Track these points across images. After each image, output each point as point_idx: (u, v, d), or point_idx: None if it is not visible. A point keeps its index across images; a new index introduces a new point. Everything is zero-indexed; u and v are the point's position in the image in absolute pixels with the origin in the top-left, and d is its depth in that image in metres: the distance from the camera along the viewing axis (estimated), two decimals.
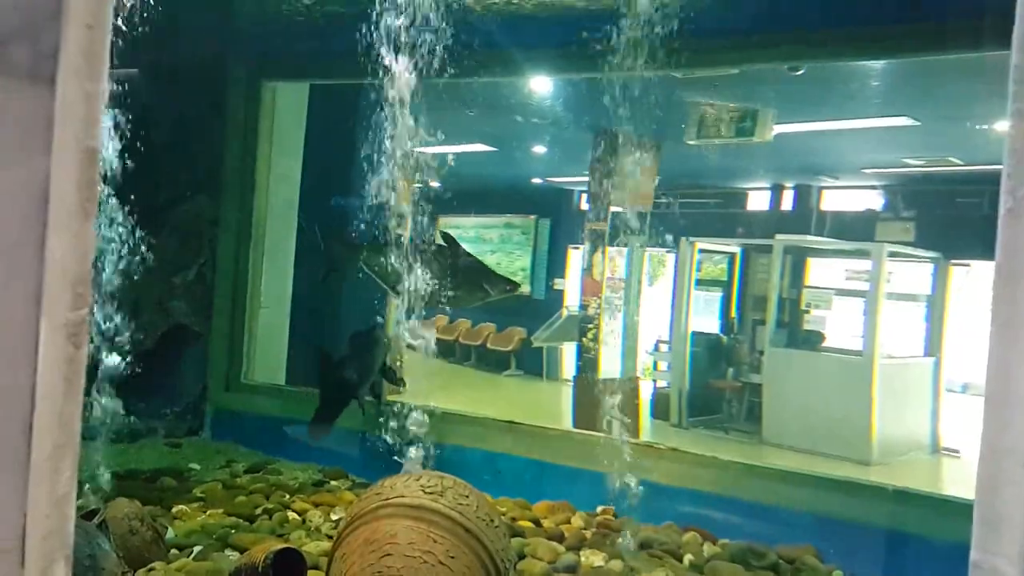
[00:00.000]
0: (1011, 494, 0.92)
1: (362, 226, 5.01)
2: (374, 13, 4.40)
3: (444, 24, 4.44)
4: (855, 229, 11.03)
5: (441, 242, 4.96)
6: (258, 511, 4.13)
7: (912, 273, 10.45)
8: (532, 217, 14.51)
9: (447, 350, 13.92)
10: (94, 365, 4.82)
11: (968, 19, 3.59)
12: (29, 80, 0.74)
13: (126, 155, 4.68)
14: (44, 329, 0.76)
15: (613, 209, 8.78)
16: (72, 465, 0.78)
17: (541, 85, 7.44)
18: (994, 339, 0.92)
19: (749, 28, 4.59)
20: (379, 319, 5.40)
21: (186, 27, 5.27)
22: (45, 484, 0.75)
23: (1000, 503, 0.94)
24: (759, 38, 4.65)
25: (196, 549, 3.50)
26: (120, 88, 4.62)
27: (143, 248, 5.38)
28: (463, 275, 4.79)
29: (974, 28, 3.38)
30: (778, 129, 7.79)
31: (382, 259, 4.71)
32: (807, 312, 10.21)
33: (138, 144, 4.77)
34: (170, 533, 3.67)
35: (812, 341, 9.72)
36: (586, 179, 9.49)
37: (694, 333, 10.24)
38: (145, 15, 4.48)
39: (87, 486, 4.19)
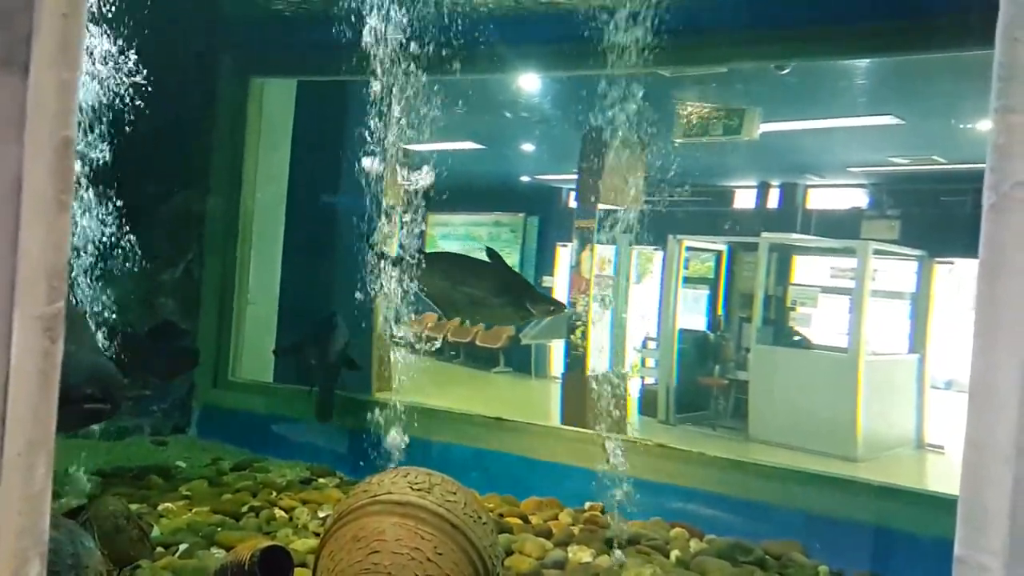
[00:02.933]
0: (994, 490, 0.93)
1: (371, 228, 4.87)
2: (362, 9, 4.38)
3: (433, 21, 4.43)
4: (841, 227, 11.11)
5: (485, 257, 4.79)
6: (245, 509, 4.11)
7: (897, 271, 10.53)
8: (521, 215, 14.52)
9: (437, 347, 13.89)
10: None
11: (953, 17, 3.62)
12: (1, 68, 0.72)
13: (113, 151, 4.64)
14: (17, 322, 0.74)
15: (601, 207, 8.79)
16: (47, 461, 0.76)
17: (530, 82, 7.44)
18: (977, 335, 0.92)
19: (736, 26, 4.60)
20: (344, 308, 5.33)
21: (174, 22, 5.23)
22: (18, 480, 0.74)
23: (984, 499, 0.95)
24: (746, 36, 4.66)
25: (182, 547, 3.48)
26: (108, 83, 4.58)
27: (130, 244, 5.34)
28: (506, 293, 4.54)
29: (959, 27, 3.40)
30: (765, 127, 7.83)
31: (428, 275, 4.56)
32: (793, 310, 10.27)
33: (125, 140, 4.73)
34: (156, 531, 3.65)
35: (797, 342, 9.79)
36: (574, 177, 9.49)
37: (681, 330, 10.28)
38: (133, 11, 4.44)
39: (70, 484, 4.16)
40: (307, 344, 5.19)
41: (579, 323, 8.87)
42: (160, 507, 4.04)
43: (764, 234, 10.21)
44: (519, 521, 4.13)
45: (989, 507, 0.93)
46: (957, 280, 10.29)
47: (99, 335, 4.31)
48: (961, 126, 7.91)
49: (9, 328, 0.74)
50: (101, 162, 4.53)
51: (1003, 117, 0.88)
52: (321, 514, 4.02)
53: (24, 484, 0.74)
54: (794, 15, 4.49)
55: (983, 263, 0.91)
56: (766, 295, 9.99)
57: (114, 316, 4.78)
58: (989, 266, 0.90)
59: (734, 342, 10.54)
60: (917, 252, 9.99)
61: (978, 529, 0.93)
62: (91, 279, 4.69)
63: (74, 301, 4.21)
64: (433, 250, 5.35)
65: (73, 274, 4.47)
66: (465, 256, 5.30)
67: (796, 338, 9.92)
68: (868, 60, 5.99)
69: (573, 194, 11.99)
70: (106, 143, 4.58)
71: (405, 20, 4.39)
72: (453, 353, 13.92)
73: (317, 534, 3.58)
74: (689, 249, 10.67)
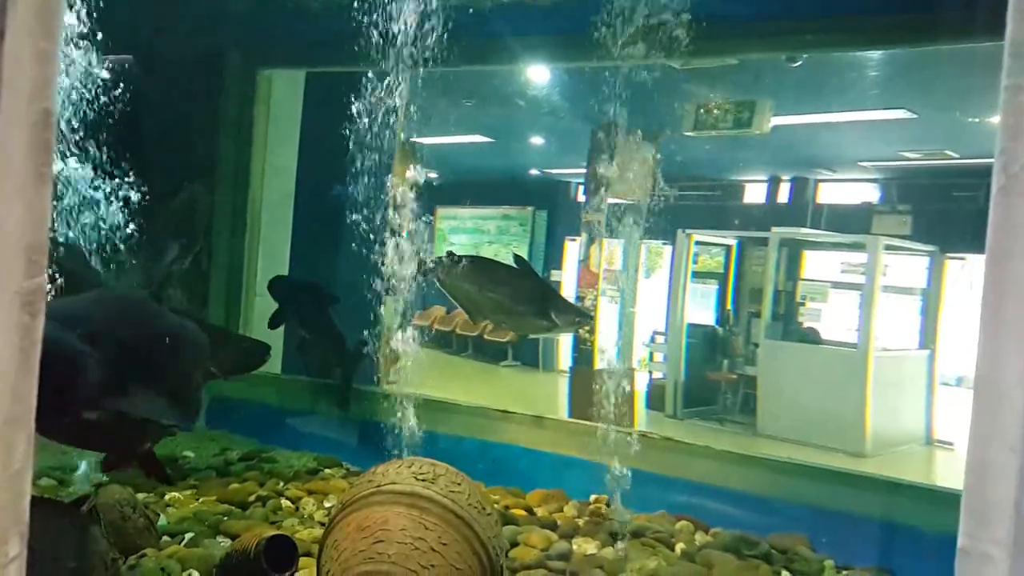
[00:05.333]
0: (999, 480, 0.91)
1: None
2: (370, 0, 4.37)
3: (442, 12, 4.41)
4: (851, 222, 11.01)
5: (513, 264, 4.72)
6: (251, 498, 4.13)
7: (908, 266, 10.45)
8: (529, 208, 14.48)
9: (444, 341, 13.91)
10: None
11: (966, 8, 3.57)
12: None
13: (121, 143, 4.66)
14: None
15: (610, 201, 8.76)
16: (27, 439, 0.75)
17: (539, 75, 7.40)
18: (983, 322, 0.90)
19: (747, 18, 4.56)
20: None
21: (181, 14, 5.23)
22: None
23: (988, 489, 0.93)
24: (757, 28, 4.62)
25: (188, 536, 3.50)
26: (115, 76, 4.59)
27: (139, 236, 5.34)
28: (531, 301, 4.47)
29: (972, 18, 3.36)
30: (775, 121, 7.76)
31: (457, 278, 4.51)
32: (803, 305, 10.22)
33: (133, 132, 4.74)
34: (162, 520, 3.66)
35: (809, 338, 9.72)
36: (583, 170, 9.46)
37: (690, 325, 10.24)
38: (142, 4, 4.45)
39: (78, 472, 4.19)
40: (289, 310, 5.20)
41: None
42: (167, 496, 4.05)
43: (774, 228, 10.15)
44: (525, 513, 4.13)
45: (993, 497, 0.91)
46: (969, 276, 10.20)
47: None
48: (974, 120, 7.82)
49: None
50: (108, 154, 4.54)
51: (1014, 96, 0.85)
52: (327, 504, 4.03)
53: (3, 462, 0.73)
54: (805, 6, 4.45)
55: (991, 247, 0.88)
56: (776, 290, 9.93)
57: None
58: (997, 250, 0.87)
59: (743, 337, 10.49)
60: (928, 247, 9.91)
61: (982, 519, 0.91)
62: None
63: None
64: (465, 254, 5.33)
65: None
66: (493, 261, 5.29)
67: (807, 326, 9.84)
68: (880, 52, 5.94)
69: (582, 188, 11.97)
70: (114, 136, 4.59)
71: (413, 11, 4.37)
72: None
73: (323, 524, 3.59)
74: (698, 244, 10.62)
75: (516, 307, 4.47)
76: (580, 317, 4.85)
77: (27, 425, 0.75)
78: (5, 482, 0.72)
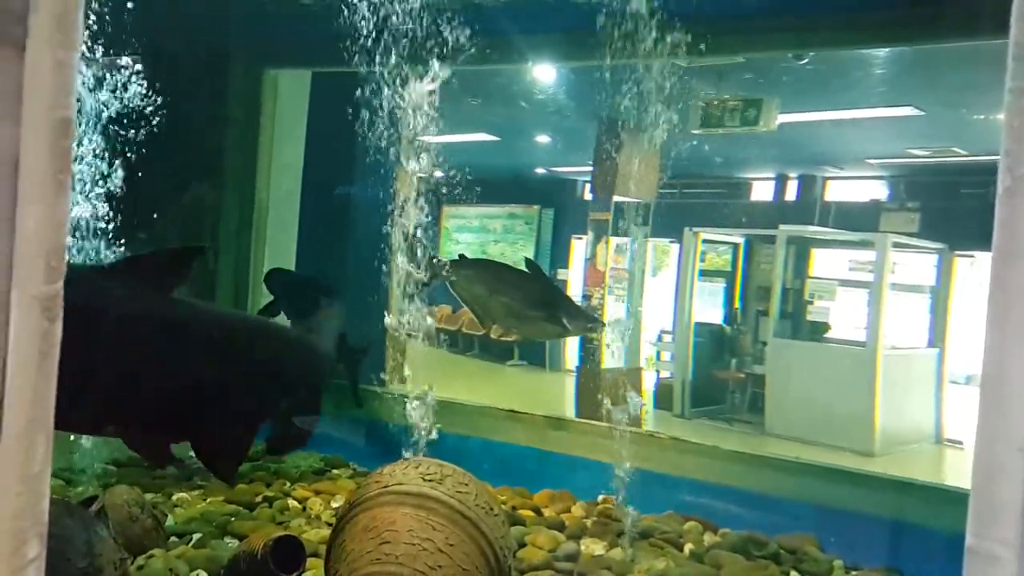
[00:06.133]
0: (1007, 479, 0.91)
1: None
2: None
3: (448, 10, 4.42)
4: (859, 220, 11.00)
5: (524, 267, 4.70)
6: (258, 499, 4.14)
7: (916, 264, 10.42)
8: (536, 207, 14.49)
9: (450, 340, 13.94)
10: None
11: (974, 5, 3.56)
12: None
13: (127, 143, 4.68)
14: (15, 302, 0.75)
15: (617, 199, 8.76)
16: (46, 442, 0.76)
17: (545, 73, 7.41)
18: (990, 322, 0.91)
19: (754, 15, 4.55)
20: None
21: (187, 12, 5.25)
22: (17, 461, 0.74)
23: (996, 488, 0.93)
24: (764, 25, 4.61)
25: (195, 536, 3.51)
26: (121, 75, 4.62)
27: (144, 235, 5.37)
28: (542, 307, 4.41)
29: (980, 14, 3.35)
30: (783, 118, 7.76)
31: (467, 281, 4.49)
32: (811, 303, 10.20)
33: (139, 132, 4.77)
34: (170, 520, 3.68)
35: (819, 331, 9.70)
36: (590, 169, 9.46)
37: (697, 323, 10.24)
38: (148, 3, 4.46)
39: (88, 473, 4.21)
40: (284, 303, 5.20)
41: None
42: (174, 497, 4.07)
43: (782, 226, 10.14)
44: (532, 513, 4.13)
45: (1001, 497, 0.91)
46: (977, 273, 10.16)
47: None
48: (981, 117, 7.80)
49: (7, 308, 0.74)
50: (115, 155, 4.57)
51: (1018, 99, 0.86)
52: (334, 504, 4.04)
53: (23, 464, 0.74)
54: (813, 3, 4.44)
55: (996, 249, 0.89)
56: (784, 288, 9.93)
57: None
58: (1003, 252, 0.88)
59: (751, 335, 10.49)
60: (937, 245, 9.89)
61: (990, 519, 0.92)
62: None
63: None
64: (474, 257, 5.31)
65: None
66: (503, 265, 5.27)
67: (820, 320, 9.81)
68: (888, 49, 5.92)
69: (588, 186, 11.97)
70: (119, 135, 4.61)
71: (419, 10, 4.38)
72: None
73: (330, 524, 3.60)
74: (706, 242, 10.62)
75: (526, 312, 4.45)
76: (591, 323, 4.83)
77: (47, 427, 0.77)
78: (25, 484, 0.74)
